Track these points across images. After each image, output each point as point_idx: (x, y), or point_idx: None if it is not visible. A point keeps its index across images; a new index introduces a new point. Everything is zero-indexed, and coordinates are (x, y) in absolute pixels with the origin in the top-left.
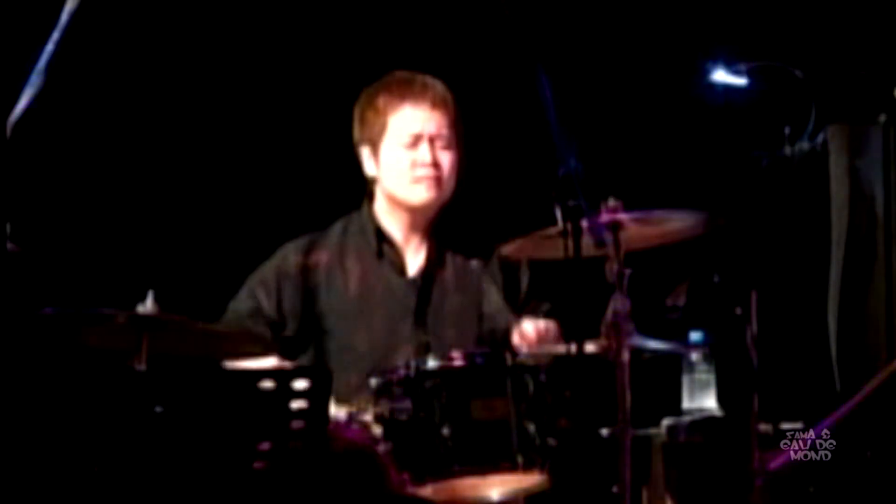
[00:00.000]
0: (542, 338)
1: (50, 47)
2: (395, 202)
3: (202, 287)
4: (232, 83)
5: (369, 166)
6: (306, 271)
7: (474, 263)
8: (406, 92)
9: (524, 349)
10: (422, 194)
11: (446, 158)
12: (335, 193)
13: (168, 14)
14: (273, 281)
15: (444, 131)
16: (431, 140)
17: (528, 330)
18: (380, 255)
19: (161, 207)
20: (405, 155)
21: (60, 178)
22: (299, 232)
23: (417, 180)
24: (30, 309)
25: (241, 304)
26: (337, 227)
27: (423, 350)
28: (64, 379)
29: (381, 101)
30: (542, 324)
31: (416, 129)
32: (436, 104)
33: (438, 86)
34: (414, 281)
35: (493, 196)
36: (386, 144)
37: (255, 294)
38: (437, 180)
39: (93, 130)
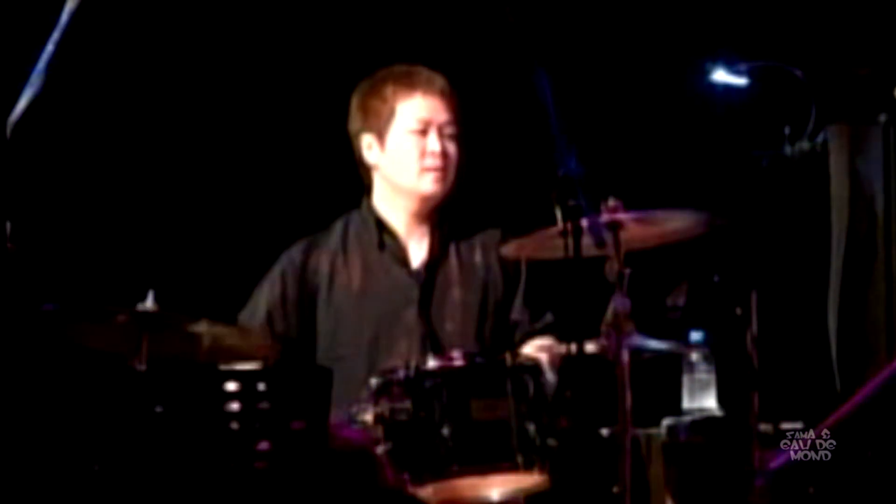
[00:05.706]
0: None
1: (50, 47)
2: (397, 190)
3: (202, 287)
4: (231, 82)
5: (371, 155)
6: (308, 274)
7: (478, 258)
8: (415, 81)
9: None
10: (428, 185)
11: (452, 149)
12: (335, 191)
13: (167, 13)
14: (278, 291)
15: (452, 122)
16: (440, 129)
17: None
18: (381, 246)
19: (161, 207)
20: (414, 143)
21: (60, 178)
22: (300, 230)
23: (425, 170)
24: (29, 309)
25: (249, 318)
26: (338, 226)
27: (426, 341)
28: (64, 378)
29: (388, 89)
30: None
31: (426, 116)
32: (444, 94)
33: (443, 78)
34: (417, 272)
35: (495, 194)
36: (394, 132)
37: (262, 308)
38: (444, 171)
39: (93, 130)
